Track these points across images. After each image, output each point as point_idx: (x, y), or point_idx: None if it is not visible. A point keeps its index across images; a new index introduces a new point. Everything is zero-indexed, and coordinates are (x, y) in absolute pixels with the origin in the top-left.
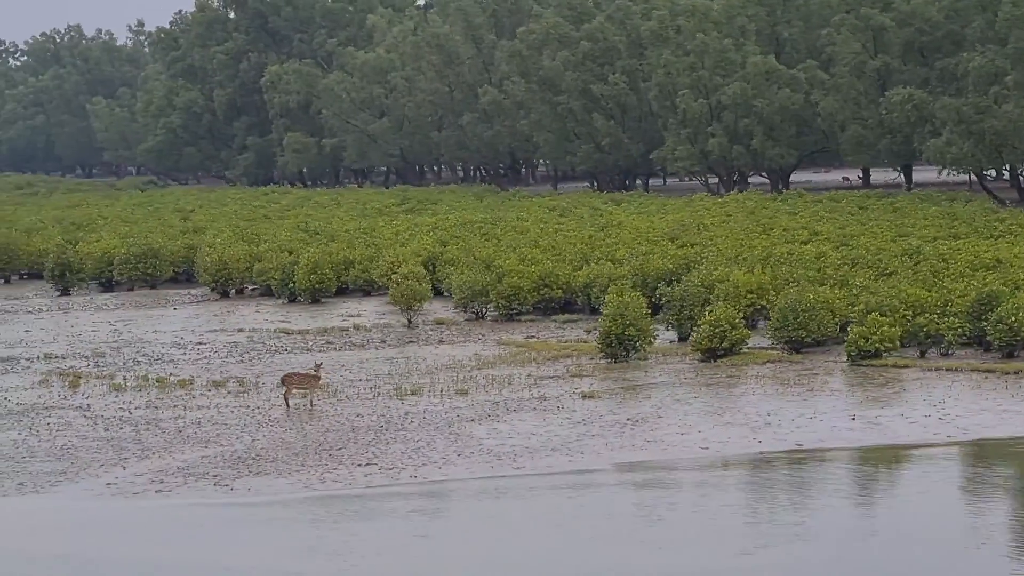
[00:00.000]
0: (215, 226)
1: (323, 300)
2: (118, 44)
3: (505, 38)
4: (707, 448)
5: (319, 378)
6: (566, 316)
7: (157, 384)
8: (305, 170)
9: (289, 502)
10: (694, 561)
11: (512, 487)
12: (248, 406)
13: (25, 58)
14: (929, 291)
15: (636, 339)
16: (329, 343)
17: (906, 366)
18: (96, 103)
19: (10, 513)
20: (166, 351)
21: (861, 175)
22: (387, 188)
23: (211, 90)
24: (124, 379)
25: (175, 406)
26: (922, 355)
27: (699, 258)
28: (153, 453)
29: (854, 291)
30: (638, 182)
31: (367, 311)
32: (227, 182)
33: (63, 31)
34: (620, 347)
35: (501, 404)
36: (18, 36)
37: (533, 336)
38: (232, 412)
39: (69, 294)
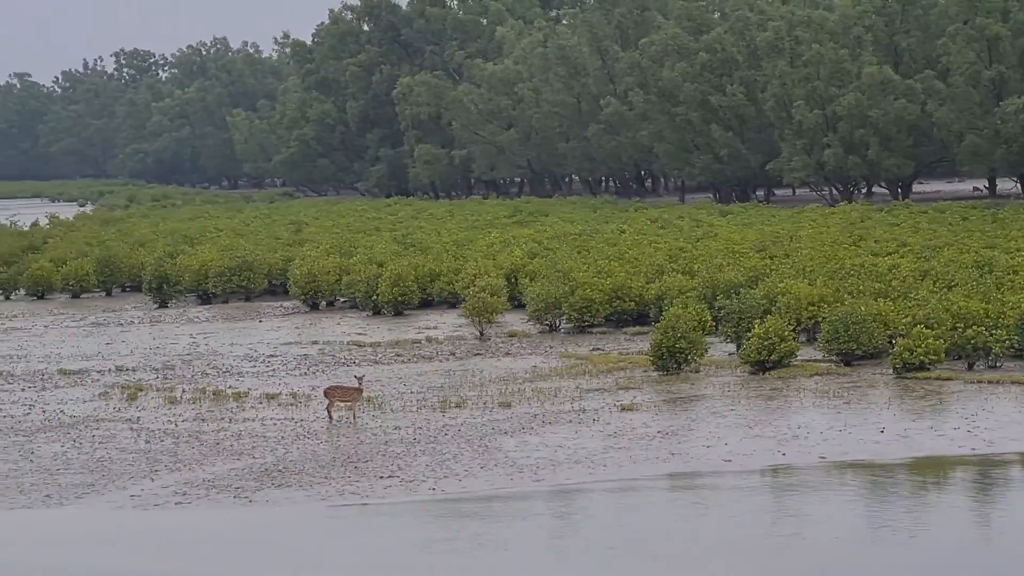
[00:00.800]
0: (321, 238)
1: (406, 313)
2: (263, 56)
3: (630, 50)
4: (729, 460)
5: (361, 390)
6: (637, 329)
7: (212, 397)
8: (436, 181)
9: (301, 515)
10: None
11: (522, 500)
12: (293, 419)
13: (173, 71)
14: (986, 303)
15: (687, 352)
16: (398, 355)
17: (949, 379)
18: (236, 115)
19: (24, 525)
20: (236, 364)
21: (987, 185)
22: (512, 199)
23: (344, 102)
24: (183, 392)
25: (221, 419)
26: (970, 367)
27: (768, 270)
28: (185, 465)
29: (909, 303)
30: (760, 193)
31: (445, 323)
32: (360, 193)
33: (209, 44)
34: (671, 360)
35: (539, 417)
36: (167, 49)
37: (599, 349)
38: (275, 425)
39: (166, 306)
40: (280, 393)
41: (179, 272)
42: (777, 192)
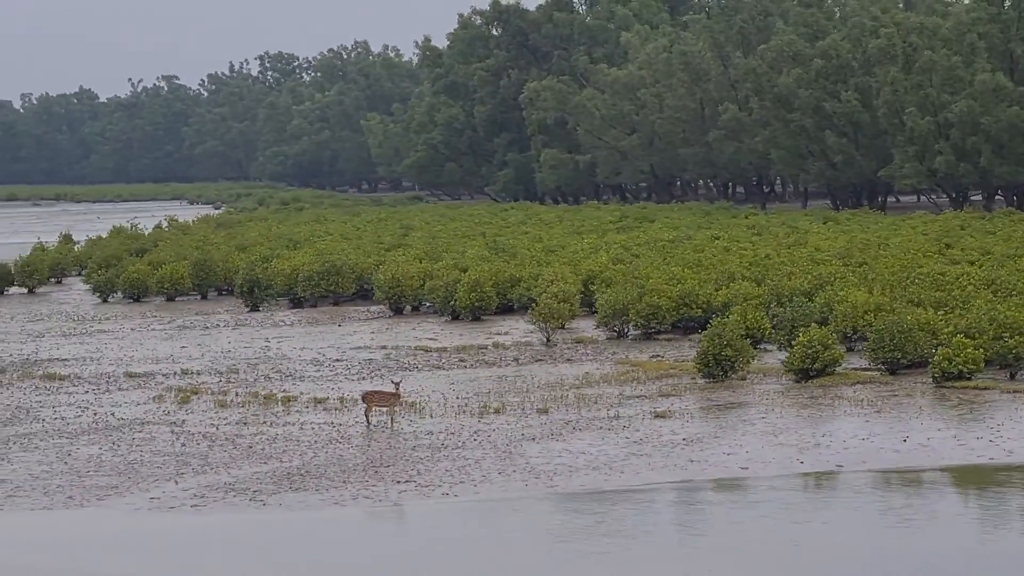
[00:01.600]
0: (420, 242)
1: (484, 318)
2: (404, 60)
3: (752, 56)
4: (746, 468)
5: (399, 395)
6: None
7: (262, 401)
8: (562, 186)
9: (309, 518)
10: None
11: (527, 504)
12: (333, 423)
13: (315, 74)
14: None
15: (734, 359)
16: (461, 361)
17: (987, 388)
18: (371, 119)
19: (32, 526)
20: (301, 368)
21: None
22: (634, 204)
23: (472, 106)
24: (236, 395)
25: (263, 422)
26: (1012, 377)
27: (834, 278)
28: (212, 468)
29: (955, 313)
30: (877, 199)
31: (518, 329)
32: (492, 198)
33: (351, 47)
34: (717, 367)
35: (572, 423)
36: (312, 52)
37: (659, 355)
38: (312, 429)
39: (257, 310)
40: (328, 398)
41: (270, 276)
42: (899, 199)
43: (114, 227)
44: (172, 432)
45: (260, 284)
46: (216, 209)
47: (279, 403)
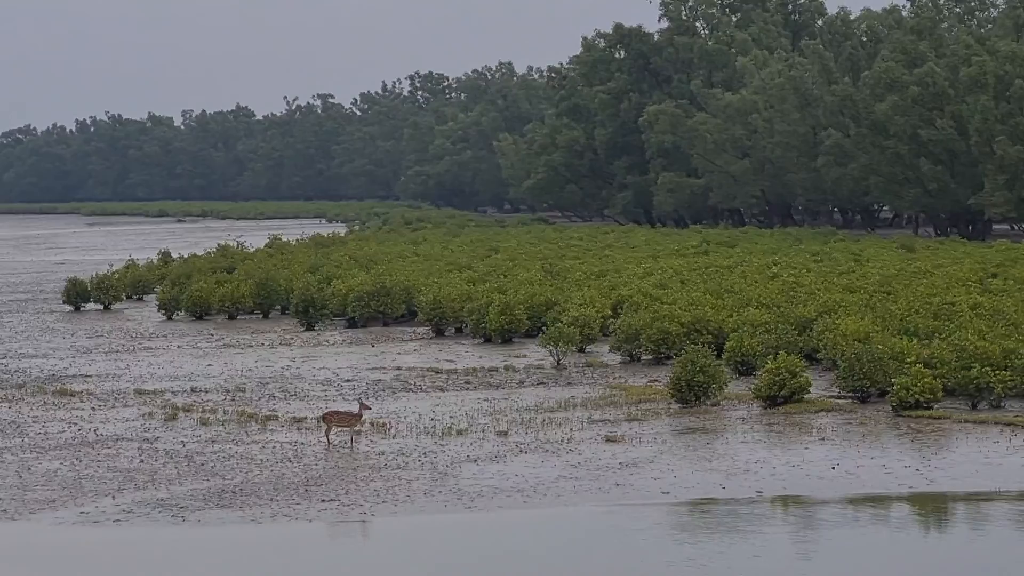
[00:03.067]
0: (486, 265)
1: (514, 340)
2: (541, 82)
3: (861, 82)
4: (667, 493)
5: (360, 416)
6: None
7: (242, 419)
8: (679, 209)
9: (217, 535)
10: None
11: (431, 525)
12: (298, 442)
13: (460, 95)
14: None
15: (706, 385)
16: (466, 383)
17: (942, 418)
18: (503, 140)
19: None
20: (309, 387)
21: None
22: (746, 228)
23: (593, 129)
24: (224, 413)
25: (231, 440)
26: (973, 407)
27: (838, 306)
28: (154, 485)
29: (920, 343)
30: (971, 227)
31: (539, 352)
32: (617, 221)
33: (495, 68)
34: (690, 392)
35: (523, 445)
36: (460, 71)
37: (656, 380)
38: (273, 448)
39: (313, 330)
40: (307, 417)
41: (326, 297)
42: (992, 227)
43: (219, 245)
44: (139, 448)
45: (315, 304)
46: (352, 228)
47: (259, 422)
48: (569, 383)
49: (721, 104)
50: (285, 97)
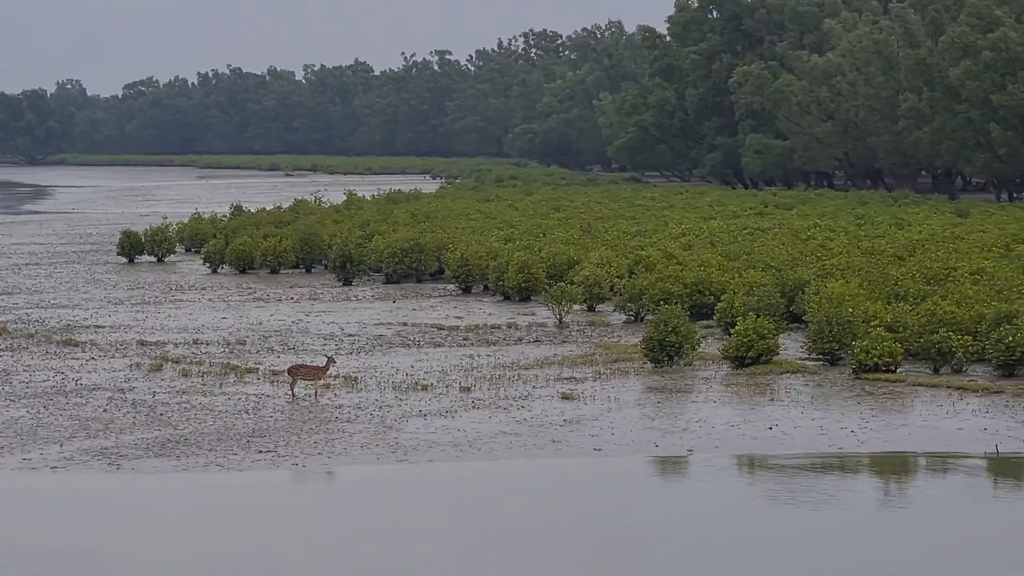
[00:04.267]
0: (531, 223)
1: (533, 299)
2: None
3: (939, 45)
4: (600, 450)
5: (326, 369)
6: (707, 323)
7: (222, 371)
8: (766, 171)
9: (143, 483)
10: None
11: (354, 476)
12: (263, 395)
13: (571, 53)
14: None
15: (678, 345)
16: (465, 339)
17: (899, 381)
18: (603, 99)
19: None
20: (310, 341)
21: None
22: (830, 189)
23: (684, 89)
24: (209, 366)
25: (201, 392)
26: (936, 371)
27: (836, 269)
28: (104, 434)
29: (911, 307)
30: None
31: (547, 311)
32: (708, 181)
33: (604, 27)
34: (662, 352)
35: (479, 401)
36: (574, 29)
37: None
38: (238, 400)
39: (350, 285)
40: (283, 372)
41: (363, 253)
42: None
43: (296, 200)
44: (109, 398)
45: (352, 260)
46: (445, 184)
47: (238, 374)
48: (564, 341)
49: (807, 66)
50: (403, 53)
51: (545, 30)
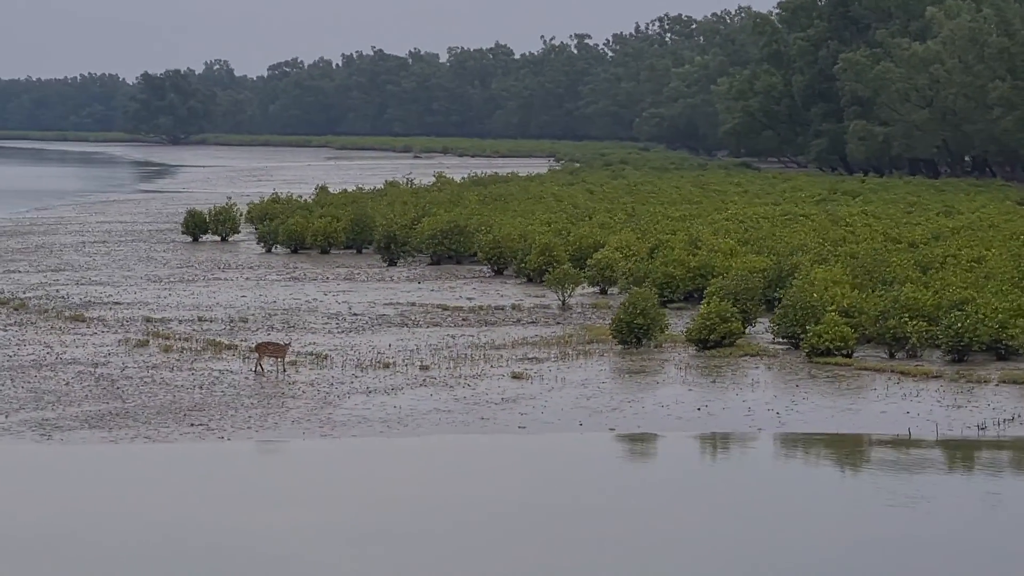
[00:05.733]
0: (582, 207)
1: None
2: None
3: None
4: (524, 428)
5: (288, 346)
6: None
7: (201, 348)
8: (870, 158)
9: (68, 452)
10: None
11: (275, 451)
12: (227, 371)
13: (701, 38)
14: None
15: (647, 327)
16: (463, 320)
17: (846, 365)
18: (721, 83)
19: None
20: (312, 320)
21: None
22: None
23: (791, 75)
24: (194, 343)
25: (170, 368)
26: (891, 356)
27: (831, 255)
28: (53, 406)
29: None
30: None
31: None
32: (818, 168)
33: (734, 12)
34: (630, 334)
35: (428, 379)
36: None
37: None
38: (200, 376)
39: (395, 265)
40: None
41: (409, 235)
42: None
43: (386, 181)
44: (78, 372)
45: (396, 241)
46: (555, 167)
47: (218, 351)
48: (558, 323)
49: (906, 54)
50: (542, 36)
51: (680, 15)
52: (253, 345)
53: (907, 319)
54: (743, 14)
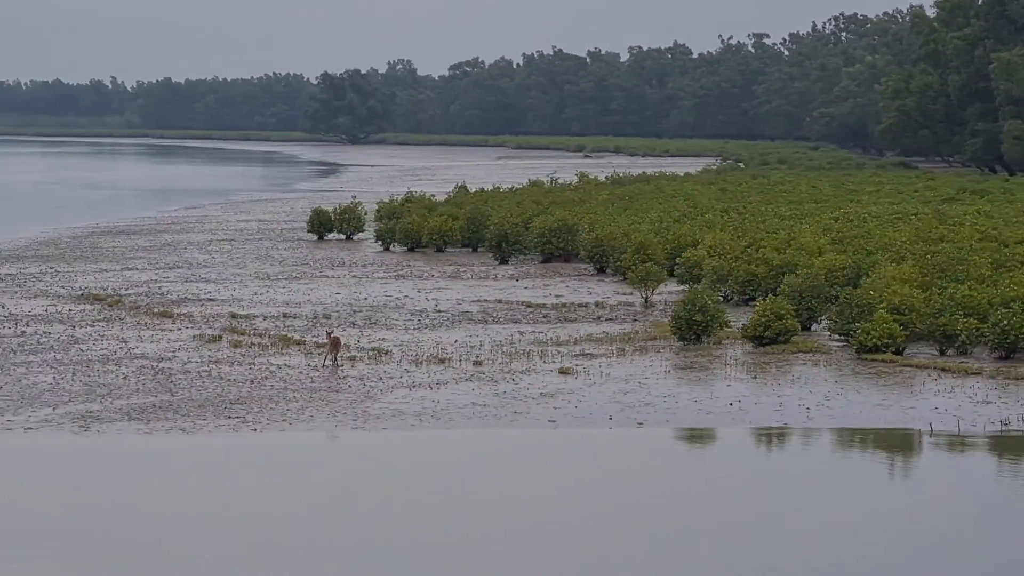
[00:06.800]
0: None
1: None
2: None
3: None
4: (553, 421)
5: (338, 341)
6: None
7: (275, 343)
8: None
9: (103, 444)
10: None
11: (303, 443)
12: (285, 365)
13: (874, 37)
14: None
15: (706, 324)
16: (544, 317)
17: (893, 361)
18: (883, 83)
19: None
20: (395, 317)
21: None
22: None
23: (947, 75)
24: (267, 338)
25: (232, 363)
26: (942, 353)
27: (908, 254)
28: (102, 399)
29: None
30: None
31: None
32: (977, 168)
33: (905, 10)
34: (689, 331)
35: (477, 374)
36: (875, 11)
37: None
38: (256, 370)
39: (507, 263)
40: (315, 341)
41: (518, 234)
42: None
43: (530, 180)
44: (140, 367)
45: (508, 239)
46: (712, 167)
47: (287, 346)
48: (635, 320)
49: None
50: (720, 35)
51: (856, 13)
52: (325, 339)
53: (958, 316)
54: (910, 14)
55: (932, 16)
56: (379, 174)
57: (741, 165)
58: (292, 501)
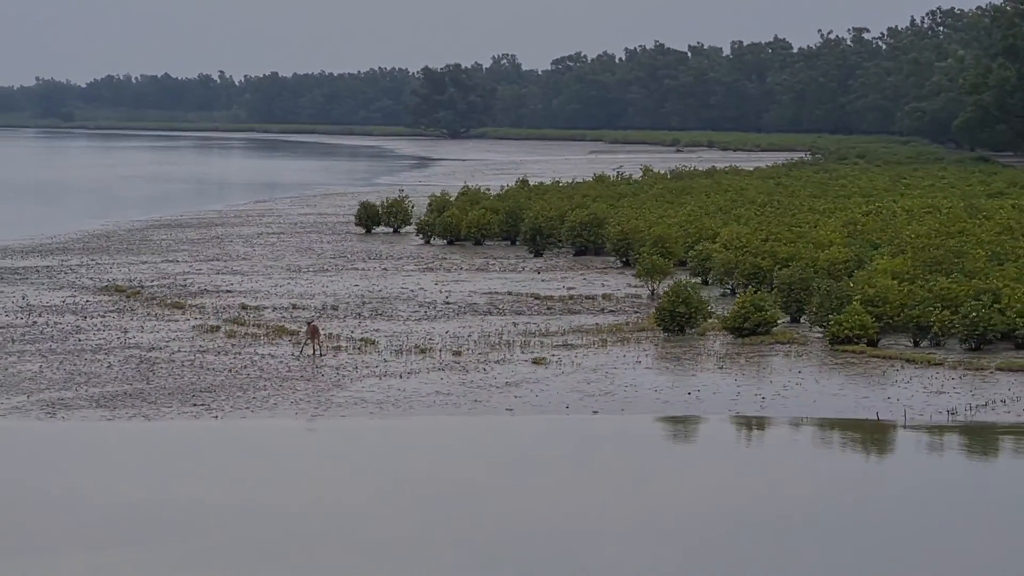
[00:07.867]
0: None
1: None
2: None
3: None
4: (511, 409)
5: (317, 330)
6: None
7: (267, 334)
8: None
9: (64, 428)
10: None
11: (255, 429)
12: (267, 355)
13: (968, 32)
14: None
15: (688, 316)
16: (548, 309)
17: (861, 352)
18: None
19: None
20: (403, 308)
21: None
22: None
23: None
24: (263, 328)
25: (220, 352)
26: (915, 344)
27: (909, 247)
28: (78, 386)
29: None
30: None
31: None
32: None
33: (1001, 3)
34: (673, 322)
35: (450, 364)
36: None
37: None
38: (238, 359)
39: (541, 256)
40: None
41: (552, 227)
42: None
43: (594, 174)
44: (127, 356)
45: (542, 233)
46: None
47: (276, 336)
48: (636, 312)
49: None
50: (819, 30)
51: (953, 8)
52: (306, 328)
53: (932, 308)
54: (1010, 7)
55: (1010, 10)
56: (465, 169)
57: (820, 159)
58: (225, 485)
